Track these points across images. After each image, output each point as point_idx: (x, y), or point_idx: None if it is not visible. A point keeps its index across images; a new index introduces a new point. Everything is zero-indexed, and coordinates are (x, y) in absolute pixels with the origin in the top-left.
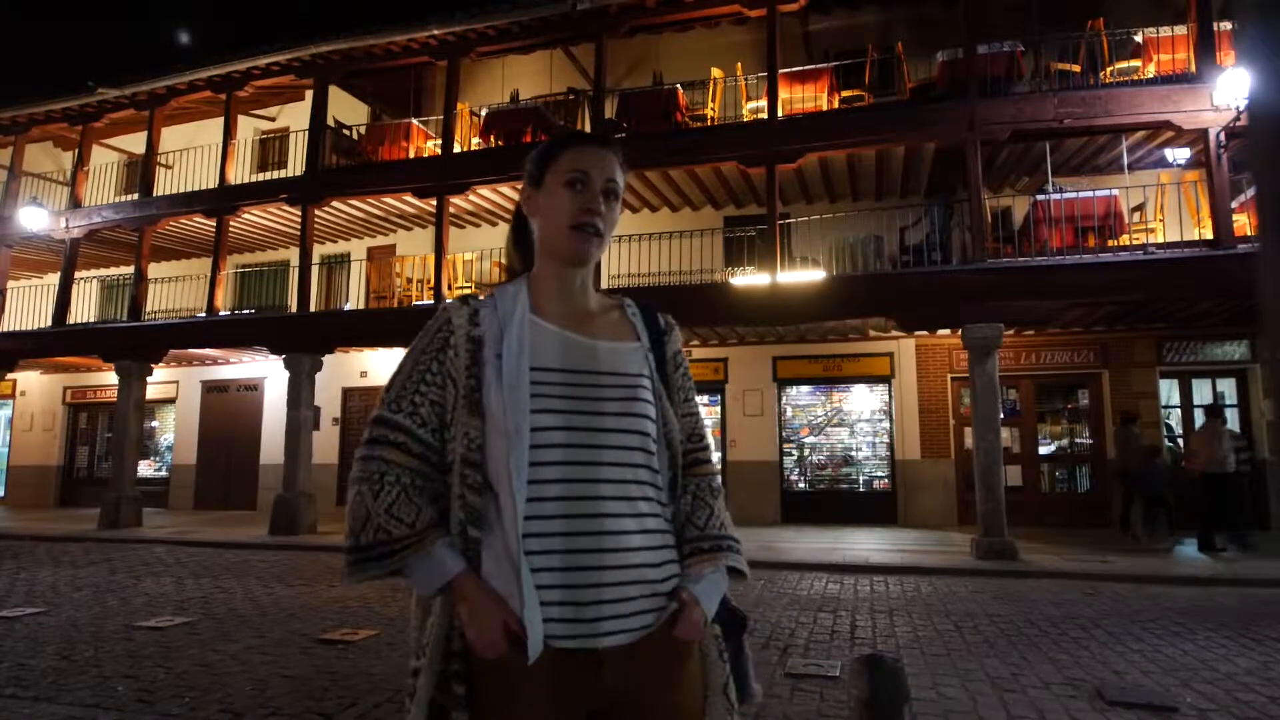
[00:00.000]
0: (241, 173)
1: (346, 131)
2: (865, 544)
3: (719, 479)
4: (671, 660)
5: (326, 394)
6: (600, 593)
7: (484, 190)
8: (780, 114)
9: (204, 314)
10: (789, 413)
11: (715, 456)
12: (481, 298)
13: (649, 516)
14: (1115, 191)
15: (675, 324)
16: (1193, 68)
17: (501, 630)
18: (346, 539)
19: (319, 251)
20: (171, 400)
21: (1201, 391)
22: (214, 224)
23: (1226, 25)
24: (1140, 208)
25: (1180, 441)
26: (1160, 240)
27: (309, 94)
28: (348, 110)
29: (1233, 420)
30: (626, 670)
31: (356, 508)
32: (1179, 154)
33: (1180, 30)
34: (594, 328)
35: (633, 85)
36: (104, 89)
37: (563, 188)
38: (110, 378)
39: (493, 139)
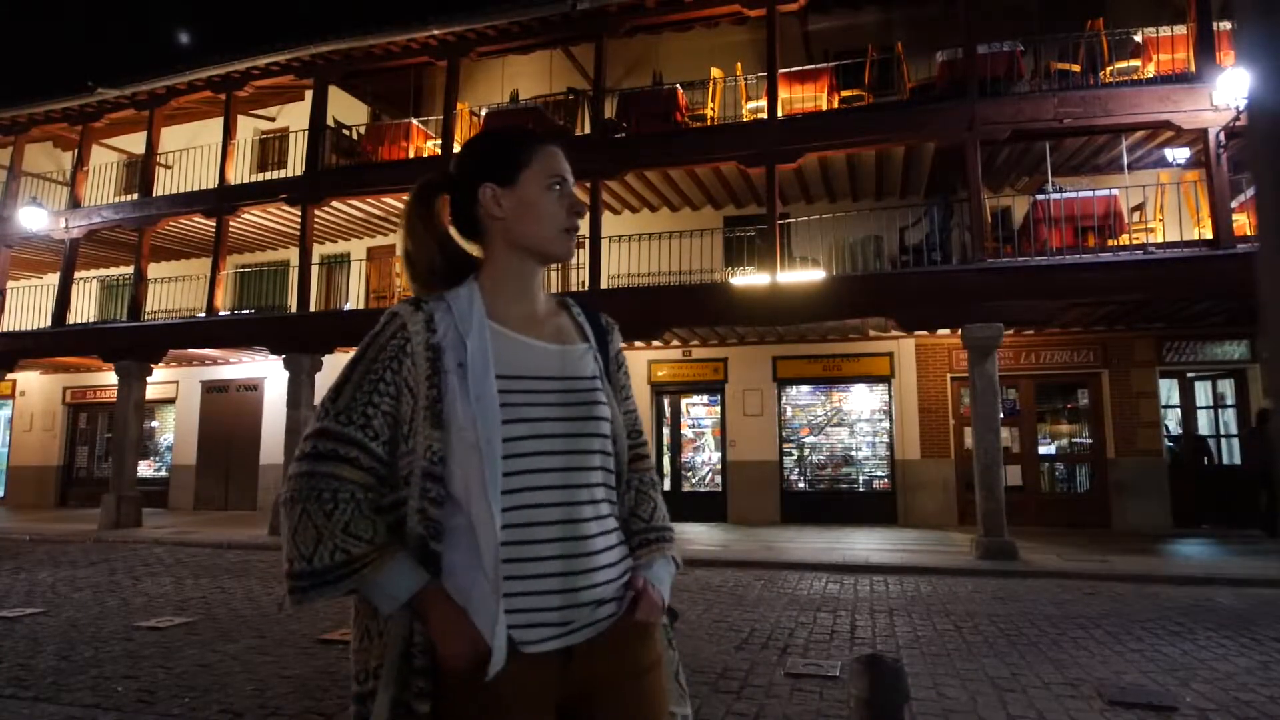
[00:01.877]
0: (241, 173)
1: (346, 131)
2: (865, 544)
3: (654, 471)
4: (637, 645)
5: None
6: (580, 595)
7: None
8: (780, 114)
9: (204, 314)
10: (789, 412)
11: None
12: (427, 299)
13: (610, 518)
14: (1115, 191)
15: (615, 324)
16: (1193, 67)
17: (471, 642)
18: (294, 563)
19: (319, 251)
20: (171, 400)
21: (1201, 392)
22: (214, 224)
23: (1226, 25)
24: (1140, 208)
25: (1179, 441)
26: (1160, 240)
27: (309, 94)
28: (347, 110)
29: (1231, 421)
30: (594, 660)
31: (302, 528)
32: (1179, 154)
33: (1180, 30)
34: (550, 331)
35: (633, 85)
36: (104, 89)
37: (546, 191)
38: (110, 378)
39: None
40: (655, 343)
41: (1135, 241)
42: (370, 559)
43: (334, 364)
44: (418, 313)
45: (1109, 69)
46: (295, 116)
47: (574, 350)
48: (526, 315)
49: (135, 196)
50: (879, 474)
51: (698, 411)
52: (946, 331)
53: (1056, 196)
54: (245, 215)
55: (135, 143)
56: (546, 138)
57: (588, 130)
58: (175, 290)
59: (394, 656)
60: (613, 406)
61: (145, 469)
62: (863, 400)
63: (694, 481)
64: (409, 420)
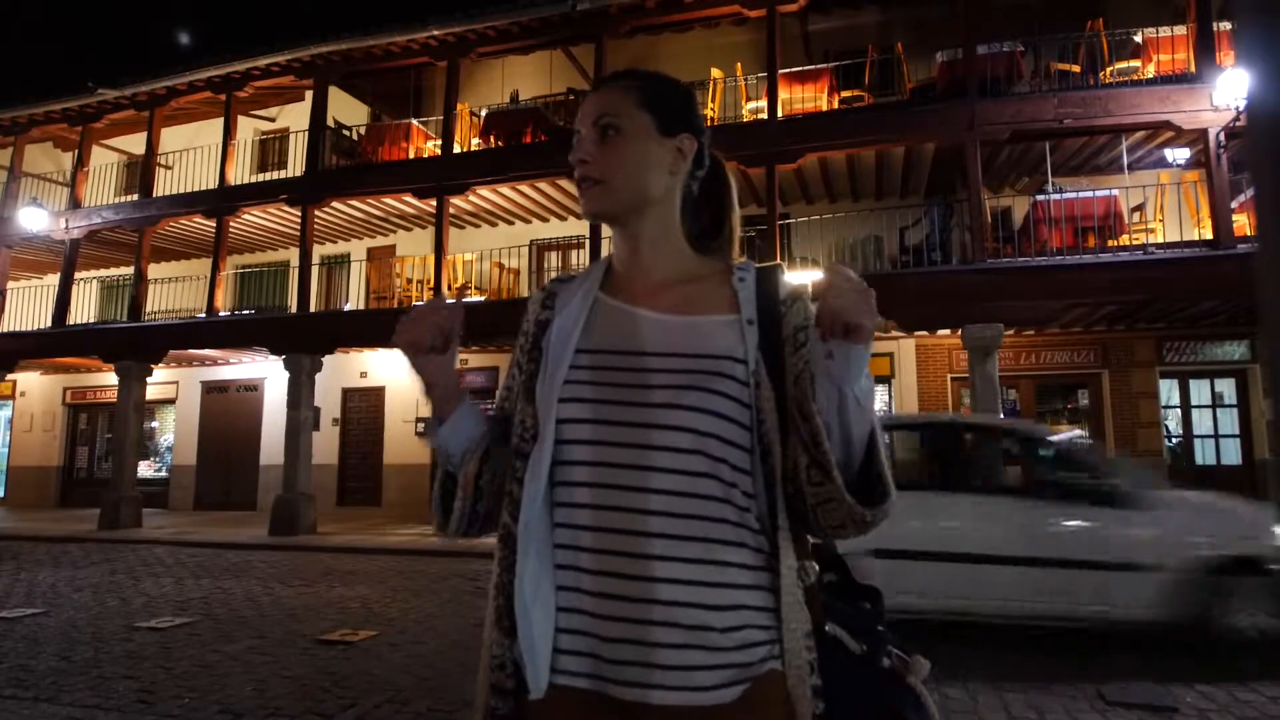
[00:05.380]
0: (241, 173)
1: (346, 132)
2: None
3: None
4: None
5: (327, 395)
6: (630, 630)
7: (484, 190)
8: (780, 114)
9: (204, 314)
10: None
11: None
12: (567, 277)
13: (716, 543)
14: (1115, 192)
15: (805, 293)
16: (1192, 68)
17: (420, 334)
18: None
19: (319, 252)
20: (171, 401)
21: (1201, 392)
22: (214, 224)
23: (1226, 25)
24: (1140, 208)
25: (1179, 441)
26: (1160, 240)
27: (309, 94)
28: (347, 111)
29: (1232, 421)
30: None
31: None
32: (1179, 154)
33: (1180, 30)
34: (673, 301)
35: None
36: (104, 89)
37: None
38: (110, 378)
39: (492, 139)
40: None
41: (1135, 242)
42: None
43: (334, 364)
44: (541, 291)
45: (1109, 69)
46: (295, 117)
47: (699, 322)
48: (645, 283)
49: (135, 197)
50: None
51: None
52: (947, 332)
53: (1056, 197)
54: (245, 216)
55: (135, 143)
56: (607, 80)
57: None
58: (175, 291)
59: (482, 673)
60: (761, 398)
61: (145, 469)
62: None
63: None
64: (516, 399)
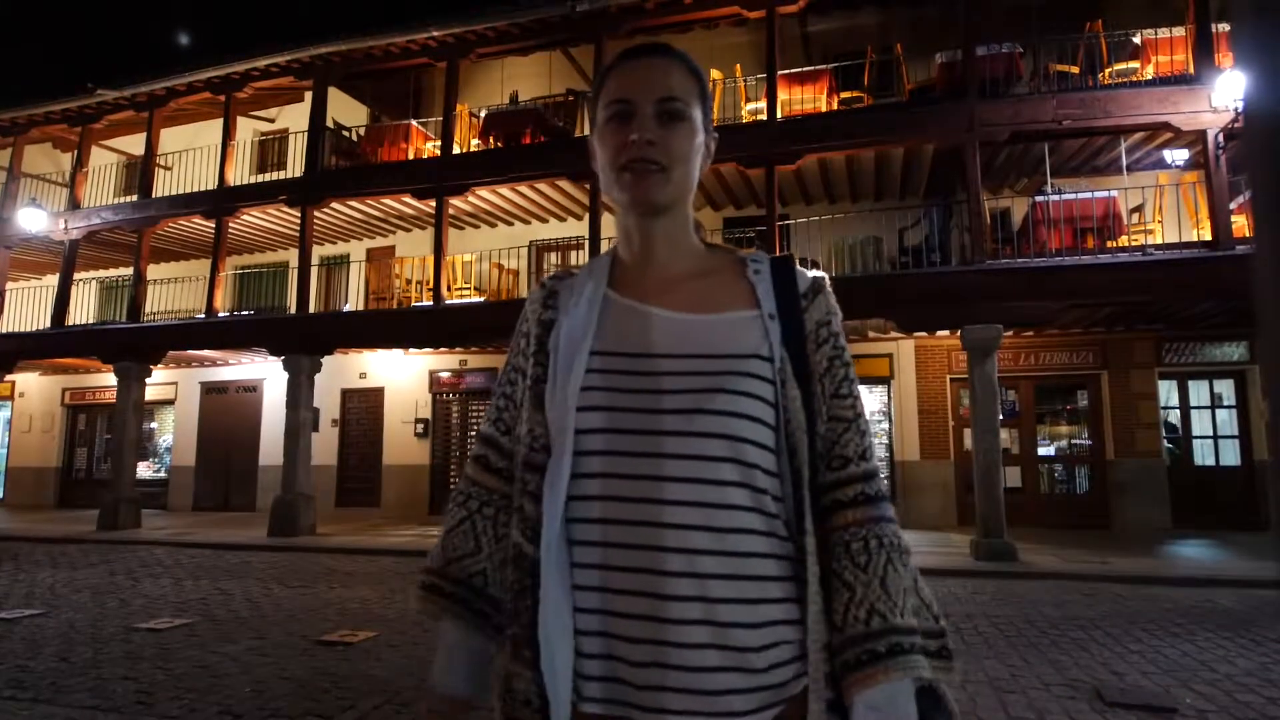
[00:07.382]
0: (241, 174)
1: (346, 133)
2: None
3: (890, 526)
4: None
5: (326, 395)
6: (658, 653)
7: (483, 191)
8: (779, 115)
9: (203, 315)
10: None
11: (880, 486)
12: (565, 273)
13: (751, 557)
14: (1114, 193)
15: (825, 285)
16: (1191, 69)
17: None
18: (428, 560)
19: (318, 253)
20: (170, 401)
21: (1200, 393)
22: (213, 225)
23: (1225, 27)
24: (1139, 209)
25: (1179, 442)
26: (1159, 241)
27: (308, 95)
28: (347, 112)
29: (1231, 421)
30: None
31: (442, 530)
32: (1178, 155)
33: (1179, 32)
34: (687, 297)
35: None
36: (103, 90)
37: (606, 125)
38: (109, 379)
39: (492, 140)
40: None
41: (1134, 243)
42: (433, 592)
43: (333, 365)
44: (541, 289)
45: (1108, 70)
46: (295, 118)
47: (720, 320)
48: (658, 279)
49: (135, 198)
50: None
51: None
52: (946, 333)
53: (1056, 198)
54: (245, 216)
55: (135, 144)
56: (638, 51)
57: (587, 131)
58: (175, 291)
59: (499, 694)
60: (788, 398)
61: (144, 470)
62: (862, 401)
63: None
64: (520, 404)
